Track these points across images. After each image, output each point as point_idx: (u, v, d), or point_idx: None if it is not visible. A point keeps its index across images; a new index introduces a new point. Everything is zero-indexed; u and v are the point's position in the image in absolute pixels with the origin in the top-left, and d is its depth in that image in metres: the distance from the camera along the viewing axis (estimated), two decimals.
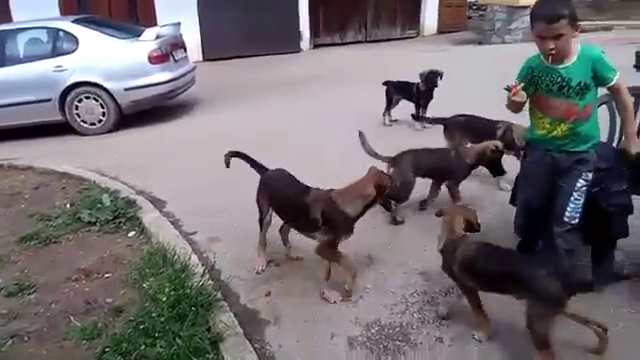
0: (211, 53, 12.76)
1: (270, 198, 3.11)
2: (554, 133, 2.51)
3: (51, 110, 7.03)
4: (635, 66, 5.60)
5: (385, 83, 6.29)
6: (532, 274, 2.14)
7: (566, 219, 2.53)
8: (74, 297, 3.07)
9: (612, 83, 2.42)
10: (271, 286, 3.04)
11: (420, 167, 3.77)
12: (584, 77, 2.40)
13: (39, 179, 5.32)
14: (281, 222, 3.24)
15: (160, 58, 7.21)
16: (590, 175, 2.51)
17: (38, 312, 2.94)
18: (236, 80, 10.21)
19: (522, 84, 2.45)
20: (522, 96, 2.46)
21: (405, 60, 10.18)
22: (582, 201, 2.52)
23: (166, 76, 7.27)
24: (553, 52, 2.33)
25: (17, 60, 7.12)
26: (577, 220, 2.53)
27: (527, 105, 2.58)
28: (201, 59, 12.37)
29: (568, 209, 2.52)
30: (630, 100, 2.54)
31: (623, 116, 2.59)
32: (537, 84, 2.51)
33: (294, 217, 3.02)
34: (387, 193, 2.83)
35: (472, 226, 2.62)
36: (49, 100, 6.98)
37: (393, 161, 3.77)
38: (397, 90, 6.20)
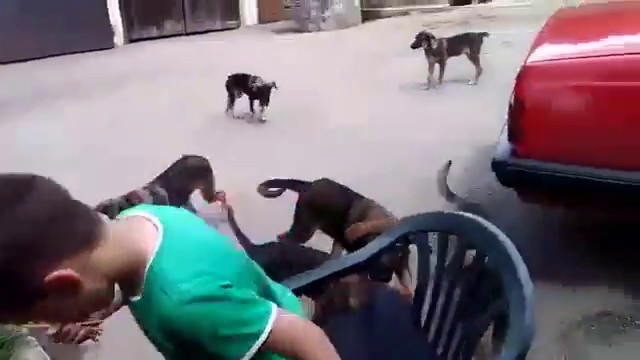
0: (5, 56, 11.05)
1: None
2: None
3: None
4: (411, 46, 6.43)
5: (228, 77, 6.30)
6: None
7: None
8: None
9: None
10: None
11: None
12: None
13: None
14: None
15: None
16: None
17: None
18: (37, 84, 8.84)
19: None
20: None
21: (232, 52, 10.12)
22: None
23: None
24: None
25: None
26: None
27: None
28: None
29: None
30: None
31: None
32: None
33: None
34: None
35: None
36: None
37: None
38: (235, 84, 6.22)
